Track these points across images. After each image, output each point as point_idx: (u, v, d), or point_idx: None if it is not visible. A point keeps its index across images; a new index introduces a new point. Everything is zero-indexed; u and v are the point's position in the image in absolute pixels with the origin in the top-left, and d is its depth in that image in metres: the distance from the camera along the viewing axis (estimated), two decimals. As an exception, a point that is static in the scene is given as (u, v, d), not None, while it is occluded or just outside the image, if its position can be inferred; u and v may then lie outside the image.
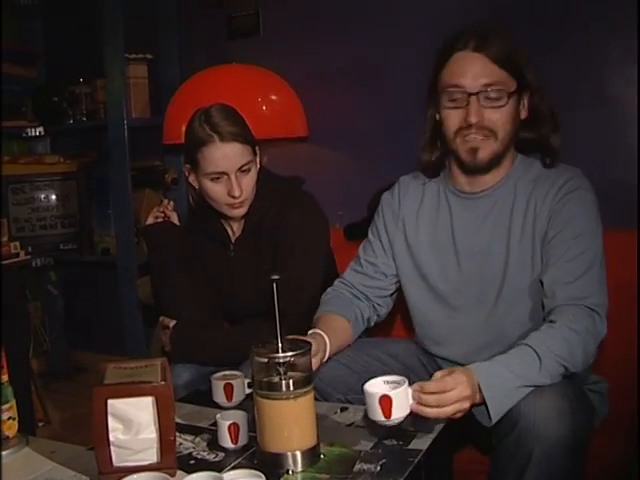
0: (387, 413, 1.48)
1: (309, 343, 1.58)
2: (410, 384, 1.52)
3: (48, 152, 4.06)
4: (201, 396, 1.92)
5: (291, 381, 1.49)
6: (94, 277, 4.05)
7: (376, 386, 1.54)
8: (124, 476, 1.30)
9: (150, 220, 2.34)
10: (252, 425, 1.58)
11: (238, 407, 1.78)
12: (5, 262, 3.34)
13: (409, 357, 2.04)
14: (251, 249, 2.24)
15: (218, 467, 1.51)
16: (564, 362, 1.60)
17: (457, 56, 1.83)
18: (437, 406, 1.50)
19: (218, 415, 1.64)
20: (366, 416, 1.54)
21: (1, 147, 3.60)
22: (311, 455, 1.51)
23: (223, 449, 1.61)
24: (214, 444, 1.63)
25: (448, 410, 1.51)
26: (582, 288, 1.71)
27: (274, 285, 1.53)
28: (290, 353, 1.50)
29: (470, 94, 1.80)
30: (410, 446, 1.57)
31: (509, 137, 1.86)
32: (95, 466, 1.48)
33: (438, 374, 1.55)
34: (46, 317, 4.14)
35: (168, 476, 1.22)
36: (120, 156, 3.37)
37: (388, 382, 1.55)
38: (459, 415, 1.55)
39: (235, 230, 2.29)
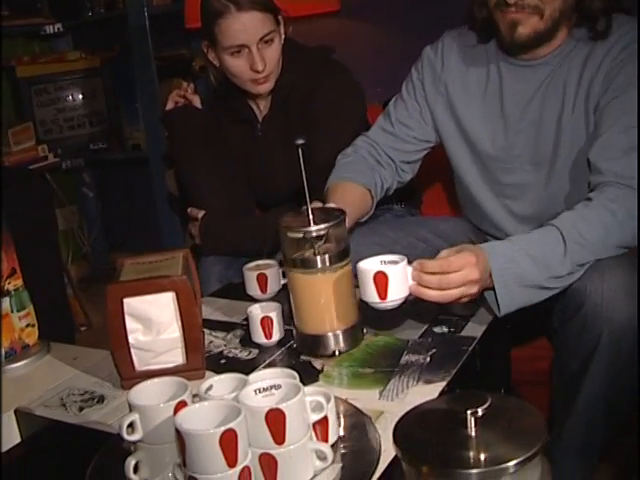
0: (382, 293, 1.32)
1: (343, 212, 1.40)
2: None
3: (71, 49, 3.89)
4: (234, 289, 1.80)
5: (327, 256, 1.35)
6: (127, 175, 3.92)
7: (371, 264, 1.36)
8: (147, 381, 1.16)
9: (169, 105, 2.17)
10: (289, 317, 1.47)
11: (274, 299, 1.65)
12: (33, 166, 3.33)
13: (459, 237, 1.84)
14: (280, 127, 2.07)
15: (251, 365, 1.40)
16: (594, 249, 1.39)
17: None
18: (439, 289, 1.33)
19: (250, 308, 1.52)
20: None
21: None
22: (354, 334, 1.42)
23: (257, 345, 1.48)
24: (247, 340, 1.51)
25: (453, 293, 1.34)
26: (630, 166, 1.46)
27: (299, 151, 1.36)
28: (323, 225, 1.35)
29: None
30: (463, 333, 1.43)
31: (559, 13, 1.60)
32: (119, 371, 1.38)
33: (444, 252, 1.37)
34: (83, 220, 4.06)
35: (185, 380, 1.07)
36: (143, 46, 3.19)
37: (385, 262, 1.37)
38: (465, 300, 1.38)
39: (262, 108, 2.11)
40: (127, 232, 4.02)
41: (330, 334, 1.39)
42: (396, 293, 1.33)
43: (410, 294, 1.35)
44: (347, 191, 1.74)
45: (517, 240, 1.41)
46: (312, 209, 1.37)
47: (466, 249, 1.36)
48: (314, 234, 1.34)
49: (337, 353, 1.39)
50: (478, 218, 1.88)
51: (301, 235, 1.36)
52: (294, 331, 1.45)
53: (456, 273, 1.32)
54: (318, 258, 1.35)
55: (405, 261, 1.34)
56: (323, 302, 1.37)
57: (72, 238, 3.97)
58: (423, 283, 1.33)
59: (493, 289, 1.37)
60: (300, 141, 1.36)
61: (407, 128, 1.87)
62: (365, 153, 1.86)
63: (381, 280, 1.31)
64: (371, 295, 1.33)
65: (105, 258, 4.04)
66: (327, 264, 1.35)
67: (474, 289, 1.35)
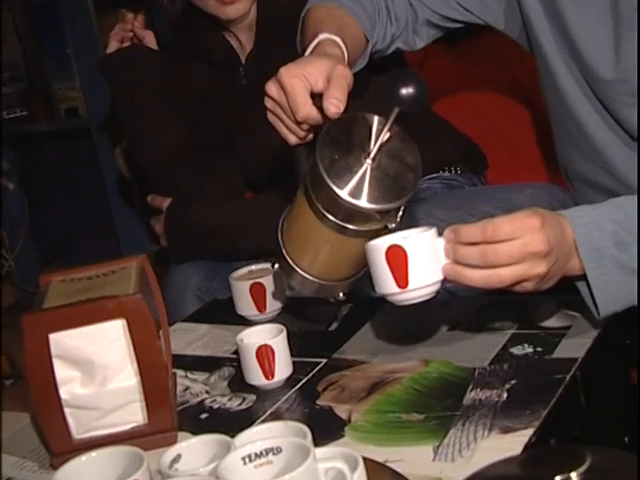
0: (401, 278, 1.25)
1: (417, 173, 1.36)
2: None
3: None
4: (220, 309, 1.87)
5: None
6: (62, 154, 3.98)
7: (384, 239, 1.32)
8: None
9: (112, 46, 2.22)
10: (297, 343, 1.53)
11: (276, 320, 1.68)
12: None
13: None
14: (271, 69, 2.03)
15: (246, 419, 1.41)
16: None
17: None
18: (483, 266, 1.25)
19: (239, 336, 1.54)
20: None
21: None
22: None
23: (252, 389, 1.50)
24: (239, 383, 1.54)
25: (503, 274, 1.25)
26: None
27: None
28: (397, 202, 1.32)
29: None
30: (556, 354, 1.42)
31: None
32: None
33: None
34: (3, 225, 4.10)
35: (140, 450, 1.06)
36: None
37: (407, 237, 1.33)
38: (529, 287, 1.29)
39: (244, 43, 2.14)
40: (68, 238, 4.07)
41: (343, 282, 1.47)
42: (421, 277, 1.26)
43: (445, 279, 1.28)
44: (344, 25, 1.65)
45: (622, 203, 1.36)
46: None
47: (528, 211, 1.28)
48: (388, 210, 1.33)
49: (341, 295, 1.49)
50: (578, 151, 1.79)
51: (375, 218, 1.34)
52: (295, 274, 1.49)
53: (508, 242, 1.24)
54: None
55: (434, 230, 1.28)
56: (347, 259, 1.42)
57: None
58: (460, 259, 1.26)
59: (586, 278, 1.33)
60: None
61: None
62: None
63: (397, 258, 1.25)
64: (386, 283, 1.27)
65: (37, 277, 4.07)
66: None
67: (540, 268, 1.26)
